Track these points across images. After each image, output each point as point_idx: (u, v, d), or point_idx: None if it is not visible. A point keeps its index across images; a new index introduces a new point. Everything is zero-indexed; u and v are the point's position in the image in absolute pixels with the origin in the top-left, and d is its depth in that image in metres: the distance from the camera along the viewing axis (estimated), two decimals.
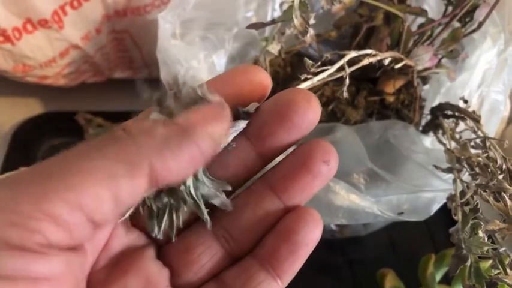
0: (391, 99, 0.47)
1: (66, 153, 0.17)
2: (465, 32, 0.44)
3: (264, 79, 0.21)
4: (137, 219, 0.22)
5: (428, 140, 0.42)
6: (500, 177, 0.31)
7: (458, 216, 0.30)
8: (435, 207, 0.38)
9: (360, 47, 0.50)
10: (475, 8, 0.44)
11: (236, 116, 0.21)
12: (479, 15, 0.44)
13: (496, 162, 0.32)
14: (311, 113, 0.20)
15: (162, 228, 0.21)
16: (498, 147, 0.35)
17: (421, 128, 0.44)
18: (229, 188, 0.22)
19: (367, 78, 0.48)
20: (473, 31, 0.44)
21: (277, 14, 0.45)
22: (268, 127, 0.21)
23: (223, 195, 0.21)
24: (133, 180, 0.17)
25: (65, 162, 0.17)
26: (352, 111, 0.46)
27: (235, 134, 0.21)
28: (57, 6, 0.50)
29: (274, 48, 0.43)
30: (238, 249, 0.22)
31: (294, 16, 0.36)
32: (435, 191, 0.37)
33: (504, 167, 0.32)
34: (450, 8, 0.44)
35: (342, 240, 0.50)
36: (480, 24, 0.43)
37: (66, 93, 0.60)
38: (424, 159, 0.39)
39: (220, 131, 0.19)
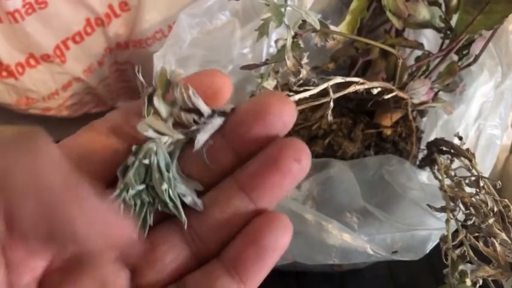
0: (388, 132, 0.47)
1: None
2: (462, 65, 0.44)
3: (225, 82, 0.21)
4: None
5: (425, 175, 0.42)
6: (491, 220, 0.30)
7: (449, 261, 0.30)
8: (430, 245, 0.38)
9: None
10: (471, 41, 0.44)
11: (211, 115, 0.21)
12: (475, 48, 0.44)
13: (487, 205, 0.31)
14: (286, 114, 0.20)
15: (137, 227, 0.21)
16: (491, 187, 0.34)
17: (418, 162, 0.44)
18: (201, 188, 0.21)
19: (365, 111, 0.48)
20: (470, 64, 0.44)
21: (273, 50, 0.46)
22: (245, 125, 0.21)
23: (195, 195, 0.21)
24: None
25: None
26: (349, 144, 0.46)
27: (211, 131, 0.21)
28: (59, 41, 0.51)
29: (270, 84, 0.43)
30: (205, 250, 0.21)
31: (286, 57, 0.37)
32: (430, 230, 0.37)
33: (496, 209, 0.31)
34: (447, 42, 0.44)
35: (342, 273, 0.50)
36: (476, 58, 0.43)
37: (69, 123, 0.61)
38: (420, 196, 0.39)
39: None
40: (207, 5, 0.45)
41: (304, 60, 0.37)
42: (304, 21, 0.36)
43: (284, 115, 0.20)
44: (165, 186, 0.20)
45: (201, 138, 0.21)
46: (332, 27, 0.40)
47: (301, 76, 0.37)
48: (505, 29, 0.45)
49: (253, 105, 0.21)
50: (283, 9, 0.32)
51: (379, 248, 0.36)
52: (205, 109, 0.21)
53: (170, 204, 0.21)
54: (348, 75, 0.52)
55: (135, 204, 0.21)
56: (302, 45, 0.39)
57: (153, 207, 0.21)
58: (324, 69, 0.52)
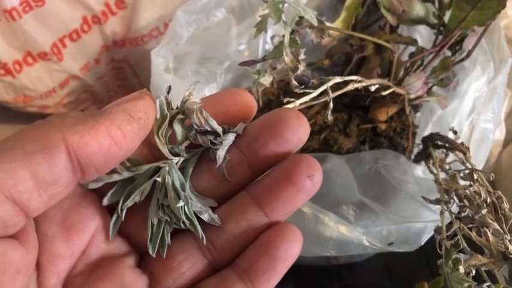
0: (383, 126, 0.47)
1: None
2: (455, 60, 0.45)
3: (249, 101, 0.22)
4: (122, 228, 0.23)
5: (420, 169, 0.43)
6: (484, 211, 0.31)
7: (443, 250, 0.30)
8: (425, 237, 0.38)
9: (351, 75, 0.51)
10: (464, 37, 0.44)
11: (225, 132, 0.22)
12: (468, 44, 0.45)
13: (481, 196, 0.32)
14: (301, 130, 0.21)
15: (156, 247, 0.22)
16: (485, 179, 0.35)
17: (413, 157, 0.45)
18: (216, 205, 0.22)
19: (360, 106, 0.48)
20: (463, 60, 0.44)
21: (269, 46, 0.46)
22: (260, 140, 0.22)
23: (211, 211, 0.22)
24: (48, 157, 0.17)
25: None
26: (345, 139, 0.46)
27: (227, 146, 0.22)
28: (56, 39, 0.51)
29: (267, 80, 0.43)
30: (220, 260, 0.22)
31: (284, 54, 0.37)
32: (425, 222, 0.38)
33: (489, 200, 0.32)
34: (440, 37, 0.45)
35: (338, 266, 0.51)
36: (469, 53, 0.44)
37: None
38: (415, 189, 0.39)
39: (137, 108, 0.20)
40: (203, 2, 0.45)
41: (301, 57, 0.38)
42: (301, 17, 0.36)
43: (299, 130, 0.21)
44: (181, 203, 0.21)
45: (221, 154, 0.22)
46: (327, 24, 0.41)
47: (298, 72, 0.38)
48: (497, 25, 0.46)
49: (269, 121, 0.22)
50: (281, 6, 0.32)
51: (375, 240, 0.37)
52: (220, 129, 0.22)
53: (187, 222, 0.22)
54: (342, 72, 0.53)
55: (152, 224, 0.22)
56: (299, 41, 0.39)
57: (170, 226, 0.22)
58: (319, 65, 0.52)
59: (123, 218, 0.22)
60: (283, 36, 0.37)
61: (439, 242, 0.32)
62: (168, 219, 0.22)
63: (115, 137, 0.19)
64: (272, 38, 0.44)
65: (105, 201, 0.22)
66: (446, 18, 0.43)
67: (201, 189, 0.23)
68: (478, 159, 0.41)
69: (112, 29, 0.53)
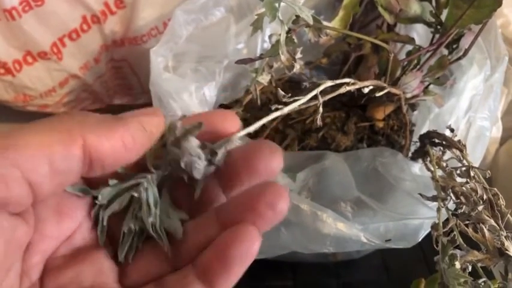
0: (380, 125, 0.47)
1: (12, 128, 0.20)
2: (451, 59, 0.45)
3: (234, 124, 0.24)
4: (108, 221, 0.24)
5: (418, 166, 0.43)
6: (481, 207, 0.31)
7: (439, 246, 0.31)
8: (422, 234, 0.39)
9: (349, 74, 0.52)
10: (460, 36, 0.45)
11: (208, 165, 0.24)
12: (465, 42, 0.45)
13: (477, 193, 0.32)
14: (274, 162, 0.23)
15: (124, 254, 0.24)
16: (481, 176, 0.36)
17: (410, 154, 0.45)
18: (187, 218, 0.24)
19: (357, 105, 0.49)
20: (459, 58, 0.45)
21: (267, 45, 0.46)
22: (234, 171, 0.23)
23: (179, 224, 0.24)
24: (67, 148, 0.19)
25: (8, 132, 0.19)
26: (342, 137, 0.47)
27: (205, 179, 0.24)
28: (56, 38, 0.52)
29: (265, 78, 0.44)
30: (183, 261, 0.24)
31: (280, 52, 0.38)
32: (422, 219, 0.38)
33: (485, 197, 0.32)
34: (437, 36, 0.45)
35: (336, 263, 0.51)
36: (466, 52, 0.44)
37: None
38: (412, 187, 0.40)
39: (150, 122, 0.22)
40: (202, 1, 0.45)
41: (298, 55, 0.38)
42: (297, 16, 0.36)
43: (273, 162, 0.23)
44: (151, 219, 0.23)
45: (200, 185, 0.24)
46: (325, 23, 0.41)
47: (295, 71, 0.38)
48: (494, 23, 0.46)
49: (244, 153, 0.23)
50: (277, 5, 0.33)
51: (373, 236, 0.37)
52: (202, 166, 0.23)
53: (155, 236, 0.24)
54: (340, 71, 0.53)
55: (124, 233, 0.24)
56: (296, 40, 0.40)
57: (142, 236, 0.24)
58: (317, 64, 0.53)
59: (106, 226, 0.24)
60: (280, 35, 0.37)
61: (436, 238, 0.32)
62: (139, 230, 0.24)
63: (127, 142, 0.21)
64: (270, 36, 0.44)
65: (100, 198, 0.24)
66: (443, 17, 0.44)
67: (178, 199, 0.25)
68: (475, 156, 0.42)
69: (111, 29, 0.54)
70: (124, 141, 0.21)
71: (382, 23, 0.49)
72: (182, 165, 0.23)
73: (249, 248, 0.21)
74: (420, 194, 0.36)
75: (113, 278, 0.24)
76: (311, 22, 0.36)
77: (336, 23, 0.47)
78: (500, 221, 0.32)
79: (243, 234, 0.22)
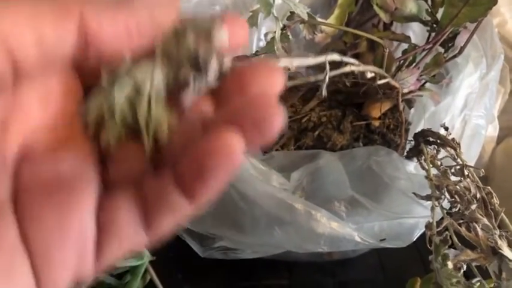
0: (376, 123, 0.47)
1: None
2: (447, 57, 0.45)
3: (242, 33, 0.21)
4: None
5: (413, 165, 0.43)
6: (474, 206, 0.31)
7: (433, 246, 0.31)
8: (417, 233, 0.39)
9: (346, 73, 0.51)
10: (456, 34, 0.45)
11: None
12: (460, 40, 0.45)
13: (471, 191, 0.32)
14: (273, 86, 0.20)
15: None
16: (475, 175, 0.35)
17: (405, 153, 0.45)
18: (175, 124, 0.21)
19: (353, 104, 0.48)
20: (455, 56, 0.45)
21: (263, 43, 0.46)
22: (226, 91, 0.20)
23: (166, 127, 0.21)
24: (59, 21, 0.17)
25: None
26: (339, 136, 0.47)
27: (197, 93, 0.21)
28: None
29: None
30: (162, 163, 0.21)
31: (275, 49, 0.38)
32: (417, 218, 0.38)
33: (479, 196, 0.32)
34: (433, 35, 0.45)
35: (332, 262, 0.51)
36: (461, 50, 0.44)
37: None
38: (407, 186, 0.39)
39: (160, 13, 0.19)
40: None
41: (293, 52, 0.38)
42: (292, 13, 0.36)
43: (272, 86, 0.20)
44: (145, 113, 0.20)
45: (189, 98, 0.21)
46: (319, 20, 0.41)
47: (290, 69, 0.38)
48: (490, 21, 0.46)
49: (239, 76, 0.20)
50: (271, 1, 0.33)
51: (367, 236, 0.37)
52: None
53: (144, 131, 0.21)
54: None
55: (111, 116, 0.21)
56: (291, 37, 0.40)
57: (127, 127, 0.21)
58: None
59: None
60: (275, 31, 0.37)
61: (430, 237, 0.32)
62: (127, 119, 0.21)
63: (130, 28, 0.18)
64: (266, 35, 0.44)
65: None
66: (439, 15, 0.44)
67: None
68: (470, 154, 0.42)
69: None
70: (128, 26, 0.18)
71: (378, 22, 0.49)
72: (201, 62, 0.20)
73: (228, 159, 0.19)
74: (414, 193, 0.36)
75: (94, 170, 0.21)
76: (305, 17, 0.36)
77: (331, 21, 0.47)
78: (493, 220, 0.32)
79: (223, 144, 0.19)
